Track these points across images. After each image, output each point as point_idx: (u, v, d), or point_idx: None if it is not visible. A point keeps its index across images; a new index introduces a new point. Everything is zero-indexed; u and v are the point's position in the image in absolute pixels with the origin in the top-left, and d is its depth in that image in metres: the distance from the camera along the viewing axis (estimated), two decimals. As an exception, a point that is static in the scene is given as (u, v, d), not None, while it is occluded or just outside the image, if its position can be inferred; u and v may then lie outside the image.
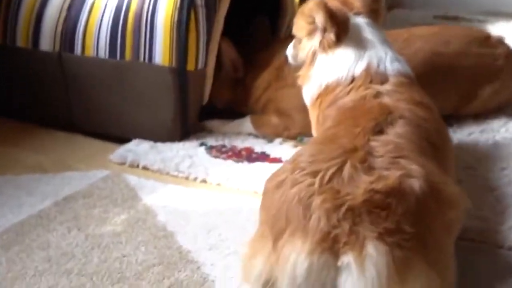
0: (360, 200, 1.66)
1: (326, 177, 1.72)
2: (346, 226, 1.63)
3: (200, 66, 2.75)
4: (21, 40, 2.91)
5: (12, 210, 2.28)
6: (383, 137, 1.84)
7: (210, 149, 2.73)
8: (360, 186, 1.69)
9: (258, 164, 2.60)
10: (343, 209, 1.65)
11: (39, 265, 1.96)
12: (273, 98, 2.84)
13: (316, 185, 1.70)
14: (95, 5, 2.79)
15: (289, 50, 2.41)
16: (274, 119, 2.84)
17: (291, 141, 2.81)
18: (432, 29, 3.07)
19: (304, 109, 2.63)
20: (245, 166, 2.59)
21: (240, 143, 2.79)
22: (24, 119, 3.04)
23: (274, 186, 1.81)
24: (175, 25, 2.63)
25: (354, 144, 1.81)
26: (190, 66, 2.70)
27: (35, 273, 1.93)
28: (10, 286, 1.87)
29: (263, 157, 2.66)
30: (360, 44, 2.19)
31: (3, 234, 2.12)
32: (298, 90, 2.57)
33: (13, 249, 2.04)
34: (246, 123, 2.88)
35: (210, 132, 2.90)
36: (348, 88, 2.09)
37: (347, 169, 1.73)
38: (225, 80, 2.93)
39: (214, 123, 2.93)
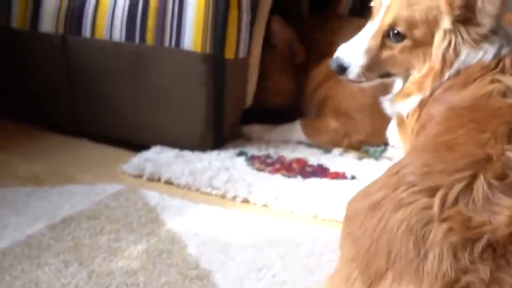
0: (504, 233, 1.19)
1: (450, 197, 1.26)
2: (484, 270, 1.17)
3: (241, 54, 2.24)
4: (18, 20, 2.41)
5: (-8, 234, 1.74)
6: (524, 148, 1.34)
7: (251, 159, 2.19)
8: (501, 212, 1.22)
9: (315, 180, 2.07)
10: (480, 245, 1.19)
11: (21, 314, 1.42)
12: (332, 94, 2.34)
13: (435, 208, 1.24)
14: (108, -22, 2.29)
15: (362, 58, 1.74)
16: (332, 123, 2.32)
17: (354, 151, 2.28)
18: None
19: (372, 110, 2.10)
20: (298, 182, 2.06)
21: (289, 154, 2.26)
22: (17, 118, 2.54)
23: (367, 208, 1.31)
24: (211, 2, 2.11)
25: (485, 152, 1.29)
26: (229, 54, 2.19)
27: (15, 327, 1.38)
28: None
29: (321, 171, 2.12)
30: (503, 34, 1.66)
31: (-24, 267, 1.58)
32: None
33: (-13, 290, 1.50)
34: (296, 129, 2.36)
35: (249, 139, 2.39)
36: (471, 78, 1.55)
37: (480, 186, 1.28)
38: (283, 69, 2.41)
39: (254, 129, 2.41)
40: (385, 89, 1.94)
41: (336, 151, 2.27)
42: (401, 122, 1.85)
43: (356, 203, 1.34)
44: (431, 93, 1.67)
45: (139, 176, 2.14)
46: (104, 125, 2.37)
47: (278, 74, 2.41)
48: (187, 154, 2.23)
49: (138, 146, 2.30)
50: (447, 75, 1.63)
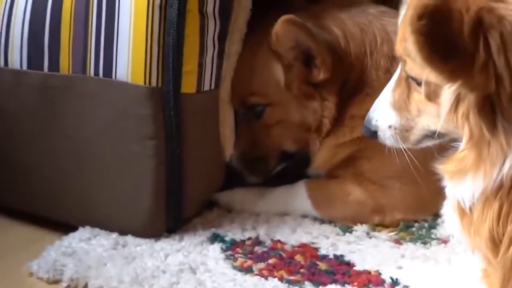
0: None
1: None
2: None
3: (207, 85, 1.49)
4: None
5: None
6: None
7: (231, 249, 1.45)
8: None
9: (335, 290, 1.32)
10: None
11: None
12: (368, 154, 1.58)
13: None
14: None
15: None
16: (354, 192, 1.58)
17: (387, 230, 1.54)
18: None
19: (416, 176, 1.44)
20: (307, 294, 1.30)
21: (290, 236, 1.51)
22: None
23: None
24: (155, 4, 1.37)
25: None
26: (188, 86, 1.44)
27: None
28: None
29: (341, 268, 1.38)
30: None
31: None
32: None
33: None
34: (299, 196, 1.60)
35: (228, 212, 1.62)
36: None
37: None
38: (295, 88, 1.60)
39: (235, 196, 1.64)
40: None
41: (361, 229, 1.52)
42: (462, 212, 1.14)
43: None
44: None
45: (54, 282, 1.38)
46: (6, 193, 1.61)
47: (284, 105, 1.61)
48: (130, 241, 1.47)
49: (58, 226, 1.55)
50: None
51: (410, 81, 1.18)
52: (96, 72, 1.42)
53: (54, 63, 1.45)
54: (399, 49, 1.15)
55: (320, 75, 1.55)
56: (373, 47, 1.56)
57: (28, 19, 1.47)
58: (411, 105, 1.20)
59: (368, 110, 1.51)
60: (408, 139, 1.23)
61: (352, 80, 1.56)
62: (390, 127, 1.24)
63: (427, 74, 1.05)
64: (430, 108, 1.14)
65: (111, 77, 1.41)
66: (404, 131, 1.22)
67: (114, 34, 1.39)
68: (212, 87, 1.49)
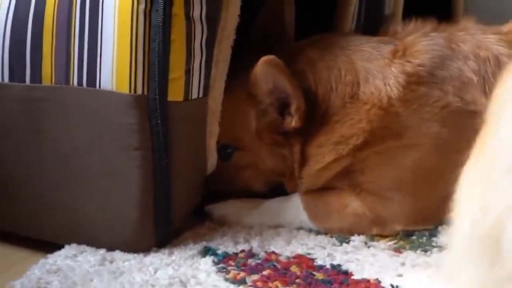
0: None
1: None
2: None
3: (195, 92, 1.44)
4: None
5: None
6: None
7: (223, 261, 1.40)
8: None
9: (333, 300, 1.27)
10: None
11: None
12: (361, 167, 1.53)
13: None
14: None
15: None
16: (352, 203, 1.53)
17: (386, 239, 1.49)
18: None
19: (419, 186, 1.50)
20: (305, 305, 1.25)
21: (284, 247, 1.46)
22: None
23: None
24: (140, 9, 1.34)
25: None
26: (175, 93, 1.40)
27: None
28: None
29: (337, 276, 1.33)
30: None
31: None
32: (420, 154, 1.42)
33: None
34: (294, 209, 1.56)
35: (220, 225, 1.57)
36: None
37: None
38: (265, 137, 1.59)
39: (229, 209, 1.59)
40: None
41: (358, 239, 1.47)
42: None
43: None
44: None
45: (38, 302, 1.34)
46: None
47: (254, 145, 1.59)
48: (118, 256, 1.41)
49: (42, 245, 1.49)
50: None
51: None
52: (80, 82, 1.37)
53: (36, 74, 1.41)
54: None
55: (293, 123, 1.52)
56: (338, 81, 1.53)
57: (10, 29, 1.42)
58: None
59: (342, 135, 1.50)
60: None
61: (317, 119, 1.53)
62: None
63: None
64: None
65: (95, 86, 1.36)
66: None
67: (98, 41, 1.35)
68: (201, 95, 1.44)
